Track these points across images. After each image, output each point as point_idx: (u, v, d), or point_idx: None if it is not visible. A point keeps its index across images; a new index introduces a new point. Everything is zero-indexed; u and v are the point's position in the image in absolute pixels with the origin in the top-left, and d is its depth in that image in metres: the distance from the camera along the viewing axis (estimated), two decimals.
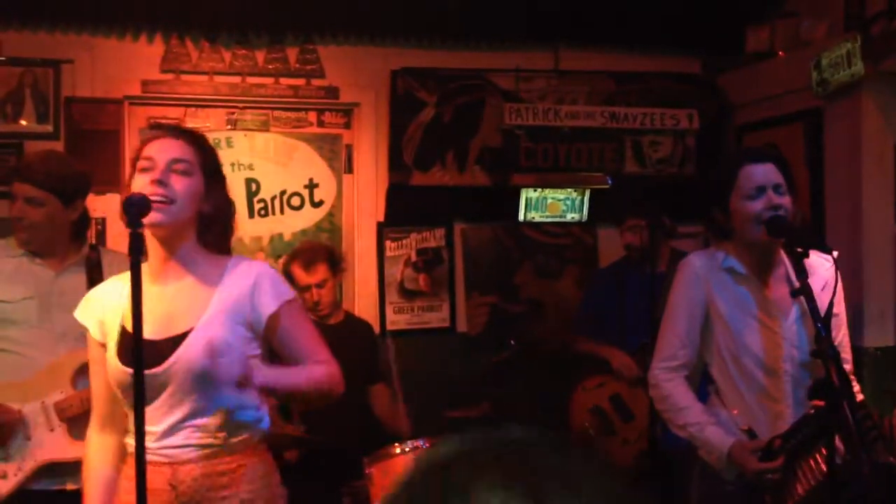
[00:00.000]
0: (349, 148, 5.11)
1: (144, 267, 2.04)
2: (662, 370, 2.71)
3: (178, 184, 2.18)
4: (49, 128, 4.52)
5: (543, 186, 5.04)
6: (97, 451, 2.31)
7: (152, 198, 2.09)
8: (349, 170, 5.11)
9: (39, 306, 2.99)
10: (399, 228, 5.07)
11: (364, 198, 5.06)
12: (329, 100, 4.96)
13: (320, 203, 5.08)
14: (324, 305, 4.17)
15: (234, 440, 2.22)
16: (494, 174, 5.04)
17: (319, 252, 4.19)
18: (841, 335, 2.69)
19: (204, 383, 2.16)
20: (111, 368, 2.18)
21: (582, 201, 5.11)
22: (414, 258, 5.10)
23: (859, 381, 2.74)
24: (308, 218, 5.05)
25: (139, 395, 1.96)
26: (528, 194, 5.04)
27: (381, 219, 5.04)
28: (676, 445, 2.83)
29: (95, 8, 4.51)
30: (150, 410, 2.09)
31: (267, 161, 5.00)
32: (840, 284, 2.61)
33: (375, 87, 4.99)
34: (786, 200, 2.58)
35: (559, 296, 5.24)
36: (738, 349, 2.63)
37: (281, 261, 4.66)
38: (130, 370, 2.09)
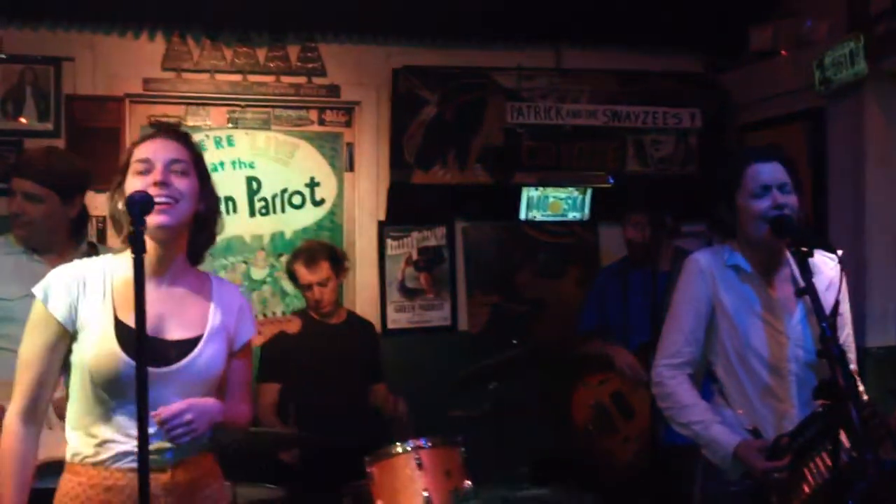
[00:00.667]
0: (350, 146, 5.10)
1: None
2: (666, 367, 2.70)
3: (179, 184, 2.17)
4: (50, 125, 4.51)
5: (545, 185, 5.03)
6: (20, 442, 2.20)
7: (157, 200, 2.08)
8: (350, 168, 5.10)
9: None
10: (400, 227, 5.07)
11: (365, 196, 5.05)
12: (330, 98, 4.96)
13: (321, 202, 5.07)
14: (325, 303, 4.17)
15: (206, 442, 2.25)
16: (496, 173, 5.03)
17: (322, 250, 4.19)
18: (845, 335, 2.68)
19: (200, 390, 2.19)
20: (106, 357, 2.11)
21: (583, 200, 5.10)
22: (415, 257, 5.10)
23: (862, 381, 2.73)
24: (309, 216, 5.04)
25: (141, 395, 1.93)
26: (529, 193, 5.03)
27: (383, 217, 5.04)
28: (678, 443, 2.82)
29: (97, 5, 4.51)
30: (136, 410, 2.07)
31: (268, 159, 4.99)
32: (845, 284, 2.60)
33: (377, 85, 4.98)
34: (791, 199, 2.58)
35: (560, 295, 5.23)
36: (743, 348, 2.62)
37: (283, 259, 4.66)
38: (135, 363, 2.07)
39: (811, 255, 2.49)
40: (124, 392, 2.11)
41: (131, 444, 2.09)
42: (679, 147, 5.26)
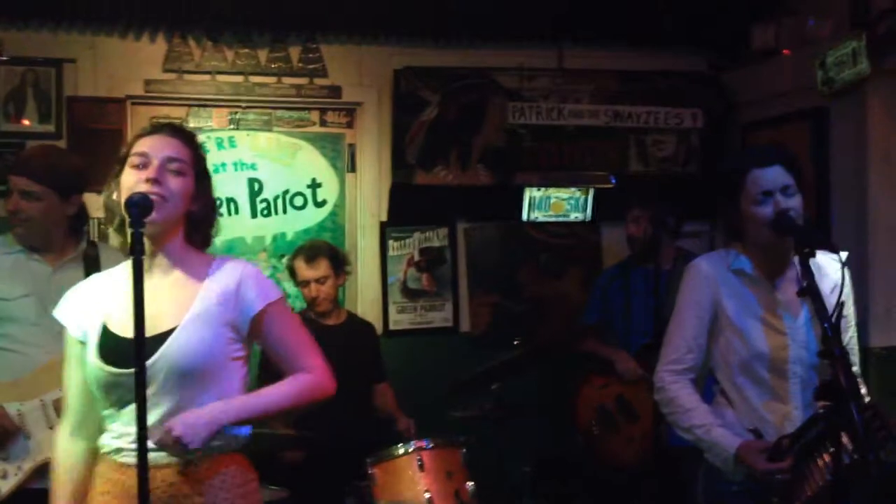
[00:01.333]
0: (352, 147, 5.09)
1: (131, 264, 2.00)
2: (668, 373, 2.70)
3: (172, 183, 2.15)
4: (51, 127, 4.52)
5: (547, 186, 5.03)
6: (68, 457, 2.24)
7: (150, 196, 2.07)
8: (352, 169, 5.10)
9: (37, 303, 2.97)
10: (402, 228, 5.06)
11: (367, 197, 5.05)
12: (332, 99, 4.95)
13: (323, 203, 5.07)
14: (321, 301, 4.16)
15: (213, 445, 2.14)
16: (498, 173, 5.02)
17: (322, 248, 4.20)
18: (848, 337, 2.67)
19: (184, 384, 2.11)
20: (91, 367, 2.12)
21: (586, 200, 5.09)
22: (417, 258, 5.09)
23: (864, 382, 2.72)
24: (311, 217, 5.04)
25: (140, 396, 1.91)
26: (531, 193, 5.02)
27: (384, 218, 5.04)
28: (682, 445, 2.81)
29: (98, 7, 4.51)
30: (128, 411, 2.07)
31: (269, 160, 4.99)
32: (849, 285, 2.59)
33: (378, 86, 4.98)
34: (795, 202, 2.55)
35: (562, 295, 5.22)
36: (746, 352, 2.61)
37: (285, 259, 4.66)
38: (113, 369, 2.09)
39: (813, 255, 2.48)
40: (110, 399, 2.13)
41: (128, 441, 2.11)
42: (681, 147, 5.25)
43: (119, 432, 2.15)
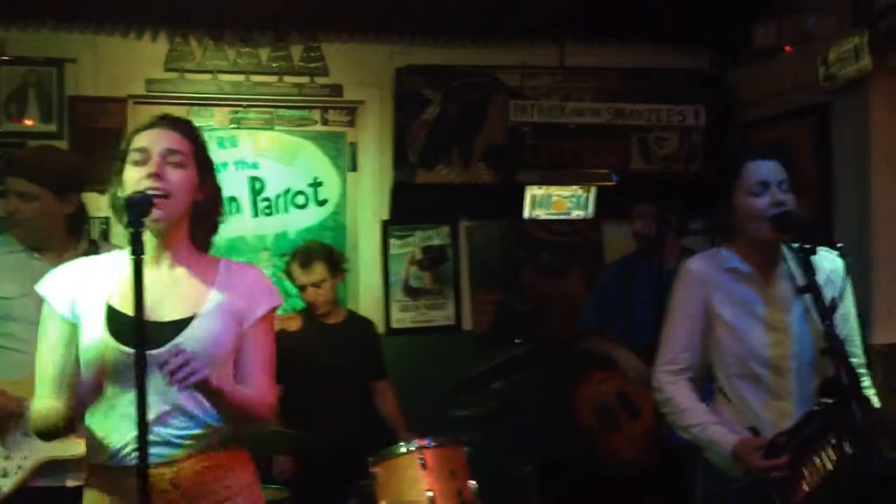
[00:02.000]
0: (354, 146, 5.09)
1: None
2: (665, 373, 2.71)
3: (174, 176, 2.14)
4: (53, 127, 4.52)
5: (549, 184, 5.02)
6: (53, 401, 2.17)
7: (150, 192, 2.07)
8: (354, 168, 5.09)
9: (39, 302, 2.96)
10: (404, 226, 5.06)
11: (369, 196, 5.04)
12: (333, 98, 4.95)
13: (325, 201, 5.07)
14: (320, 304, 4.16)
15: (225, 433, 2.18)
16: (500, 171, 5.02)
17: (317, 252, 4.18)
18: (848, 328, 2.65)
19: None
20: (98, 347, 2.11)
21: (587, 198, 5.09)
22: (419, 256, 5.09)
23: (869, 373, 2.72)
24: (312, 216, 5.04)
25: (141, 395, 1.91)
26: (533, 191, 5.02)
27: (386, 217, 5.03)
28: (683, 442, 2.81)
29: (99, 6, 4.51)
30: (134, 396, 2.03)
31: (271, 160, 4.99)
32: (846, 276, 2.58)
33: (380, 84, 4.98)
34: (790, 197, 2.56)
35: (565, 293, 5.22)
36: (742, 349, 2.61)
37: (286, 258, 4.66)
38: (129, 349, 2.05)
39: (814, 252, 2.47)
40: (119, 380, 2.10)
41: (129, 438, 2.08)
42: (683, 145, 5.24)
43: (119, 428, 2.12)
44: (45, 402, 2.17)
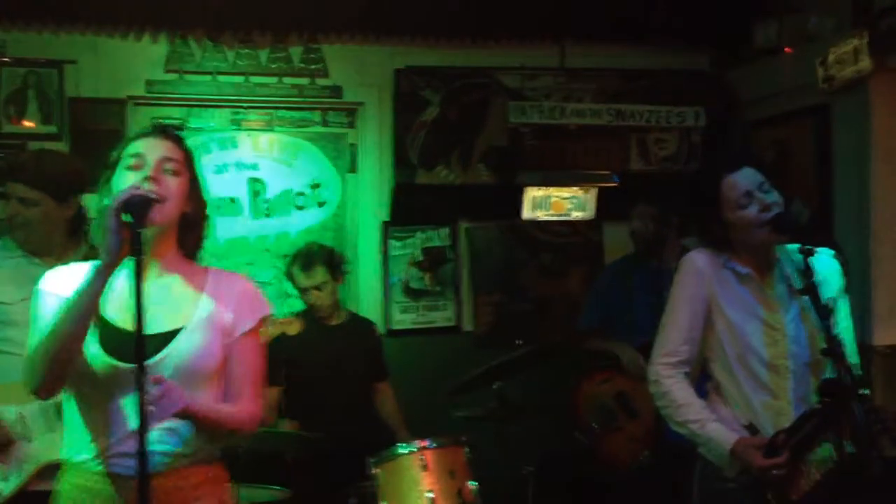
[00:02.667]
0: (354, 147, 5.09)
1: (128, 264, 1.99)
2: (663, 366, 2.70)
3: (170, 183, 2.15)
4: (53, 128, 4.52)
5: (549, 185, 5.02)
6: None
7: (147, 195, 2.06)
8: (354, 169, 5.09)
9: None
10: (404, 228, 5.06)
11: (369, 197, 5.04)
12: (333, 99, 4.95)
13: (325, 203, 5.07)
14: (320, 308, 4.16)
15: (204, 449, 2.17)
16: (500, 173, 5.02)
17: (319, 255, 4.18)
18: (841, 328, 2.65)
19: (186, 383, 2.10)
20: (90, 358, 2.09)
21: (587, 199, 5.08)
22: (419, 257, 5.09)
23: (868, 378, 2.72)
24: (312, 217, 5.04)
25: (141, 399, 1.89)
26: (533, 193, 5.02)
27: (386, 218, 5.03)
28: (680, 439, 2.81)
29: (99, 8, 4.51)
30: (118, 406, 2.03)
31: (271, 161, 4.99)
32: (842, 277, 2.59)
33: (380, 85, 4.98)
34: (774, 196, 2.58)
35: (565, 294, 5.22)
36: (741, 347, 2.61)
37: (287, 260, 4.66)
38: (117, 362, 2.05)
39: (813, 253, 2.48)
40: (104, 390, 2.09)
41: (107, 444, 2.08)
42: (683, 145, 5.24)
43: (98, 436, 2.11)
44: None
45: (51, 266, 3.03)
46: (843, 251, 2.54)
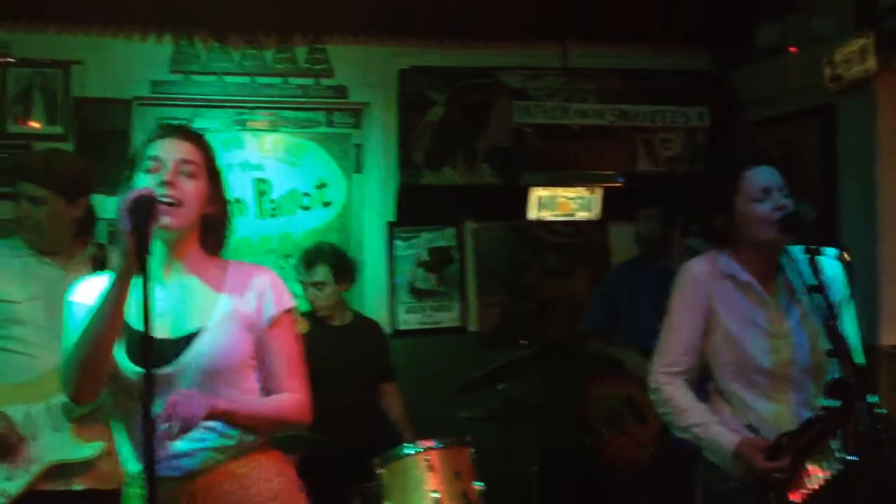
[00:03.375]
0: (358, 148, 5.10)
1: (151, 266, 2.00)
2: (663, 374, 2.71)
3: (186, 186, 2.15)
4: (59, 129, 4.52)
5: (553, 185, 5.02)
6: None
7: (162, 199, 2.06)
8: (359, 169, 5.09)
9: (46, 306, 2.98)
10: (409, 228, 5.06)
11: (374, 198, 5.04)
12: (338, 99, 4.95)
13: (330, 203, 5.07)
14: (320, 307, 4.15)
15: (246, 439, 2.18)
16: (504, 173, 5.01)
17: (324, 254, 4.17)
18: (847, 330, 2.65)
19: (210, 383, 2.12)
20: (119, 365, 2.11)
21: (593, 200, 5.08)
22: (425, 258, 5.09)
23: (874, 379, 2.72)
24: (318, 218, 5.05)
25: (147, 403, 1.89)
26: (538, 193, 5.02)
27: (392, 218, 5.03)
28: (689, 448, 2.81)
29: (104, 8, 4.51)
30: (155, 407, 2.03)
31: (276, 161, 5.00)
32: (847, 279, 2.59)
33: (384, 86, 4.98)
34: (790, 203, 2.57)
35: (570, 295, 5.22)
36: (740, 356, 2.61)
37: (291, 261, 4.67)
38: (141, 369, 2.02)
39: (821, 253, 2.47)
40: (132, 397, 2.08)
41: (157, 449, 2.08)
42: (688, 146, 5.23)
43: (138, 443, 2.11)
44: None
45: (59, 266, 3.06)
46: (848, 251, 2.53)
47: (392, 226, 5.04)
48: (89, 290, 2.17)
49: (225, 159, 4.83)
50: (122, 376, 2.11)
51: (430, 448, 3.50)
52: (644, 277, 4.37)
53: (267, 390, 2.26)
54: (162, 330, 2.12)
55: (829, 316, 2.38)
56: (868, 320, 4.14)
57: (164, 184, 2.11)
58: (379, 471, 3.50)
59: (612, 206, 5.07)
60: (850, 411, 2.28)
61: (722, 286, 2.66)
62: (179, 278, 2.20)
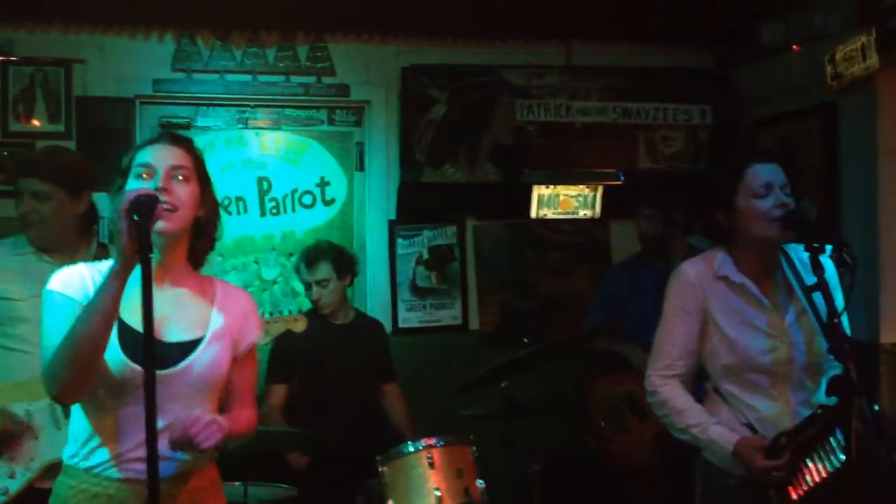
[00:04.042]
0: (360, 146, 5.10)
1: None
2: (659, 377, 2.71)
3: (180, 191, 2.16)
4: (60, 127, 4.54)
5: (555, 183, 5.02)
6: None
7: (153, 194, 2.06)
8: (360, 168, 5.10)
9: None
10: (411, 226, 5.06)
11: (375, 196, 5.05)
12: (340, 97, 4.96)
13: (332, 201, 5.07)
14: (323, 305, 4.16)
15: (206, 454, 2.18)
16: (506, 171, 5.01)
17: (325, 251, 4.18)
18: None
19: (199, 393, 2.16)
20: (108, 361, 2.08)
21: (594, 198, 5.08)
22: (426, 256, 5.09)
23: (875, 378, 2.72)
24: (319, 216, 5.05)
25: (149, 402, 1.89)
26: (540, 191, 5.01)
27: (393, 216, 5.03)
28: (688, 446, 2.82)
29: (106, 7, 4.51)
30: (135, 411, 2.00)
31: (278, 159, 5.00)
32: (840, 277, 2.59)
33: (386, 84, 4.98)
34: (791, 201, 2.57)
35: (572, 293, 5.22)
36: (737, 358, 2.61)
37: (293, 259, 4.67)
38: (136, 365, 2.05)
39: (823, 251, 2.47)
40: (122, 394, 2.09)
41: (122, 449, 2.10)
42: (690, 143, 5.23)
43: (110, 440, 2.12)
44: None
45: (61, 263, 3.05)
46: (851, 247, 2.52)
47: (393, 224, 5.04)
48: (68, 281, 2.16)
49: (227, 157, 4.87)
50: (109, 372, 2.08)
51: (432, 446, 3.50)
52: (645, 274, 4.37)
53: (227, 405, 2.33)
54: (161, 333, 2.13)
55: (832, 314, 2.38)
56: (869, 318, 4.14)
57: (158, 190, 2.11)
58: (381, 468, 3.50)
59: (614, 204, 5.06)
60: (850, 409, 2.28)
61: (716, 288, 2.66)
62: (171, 285, 2.22)
